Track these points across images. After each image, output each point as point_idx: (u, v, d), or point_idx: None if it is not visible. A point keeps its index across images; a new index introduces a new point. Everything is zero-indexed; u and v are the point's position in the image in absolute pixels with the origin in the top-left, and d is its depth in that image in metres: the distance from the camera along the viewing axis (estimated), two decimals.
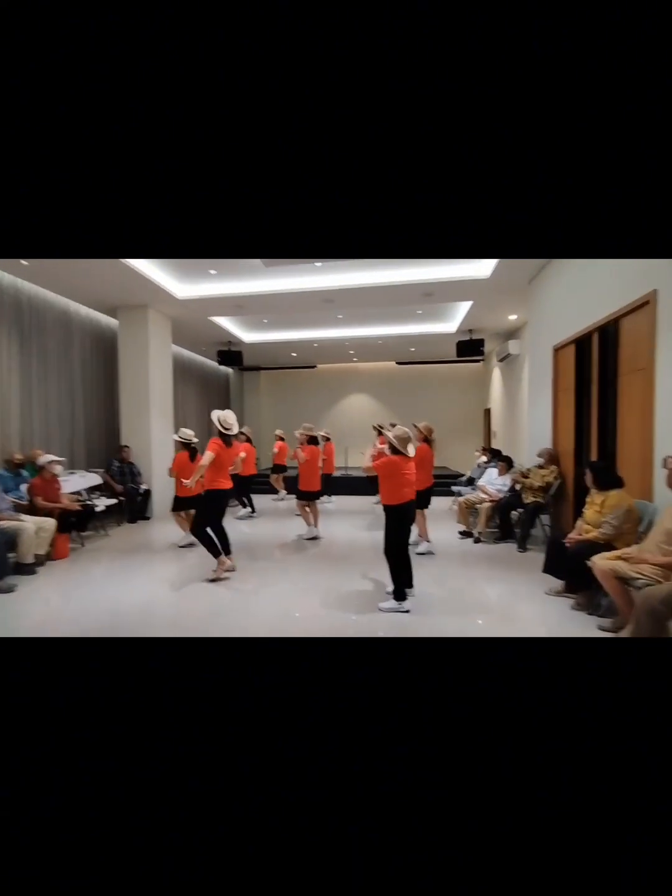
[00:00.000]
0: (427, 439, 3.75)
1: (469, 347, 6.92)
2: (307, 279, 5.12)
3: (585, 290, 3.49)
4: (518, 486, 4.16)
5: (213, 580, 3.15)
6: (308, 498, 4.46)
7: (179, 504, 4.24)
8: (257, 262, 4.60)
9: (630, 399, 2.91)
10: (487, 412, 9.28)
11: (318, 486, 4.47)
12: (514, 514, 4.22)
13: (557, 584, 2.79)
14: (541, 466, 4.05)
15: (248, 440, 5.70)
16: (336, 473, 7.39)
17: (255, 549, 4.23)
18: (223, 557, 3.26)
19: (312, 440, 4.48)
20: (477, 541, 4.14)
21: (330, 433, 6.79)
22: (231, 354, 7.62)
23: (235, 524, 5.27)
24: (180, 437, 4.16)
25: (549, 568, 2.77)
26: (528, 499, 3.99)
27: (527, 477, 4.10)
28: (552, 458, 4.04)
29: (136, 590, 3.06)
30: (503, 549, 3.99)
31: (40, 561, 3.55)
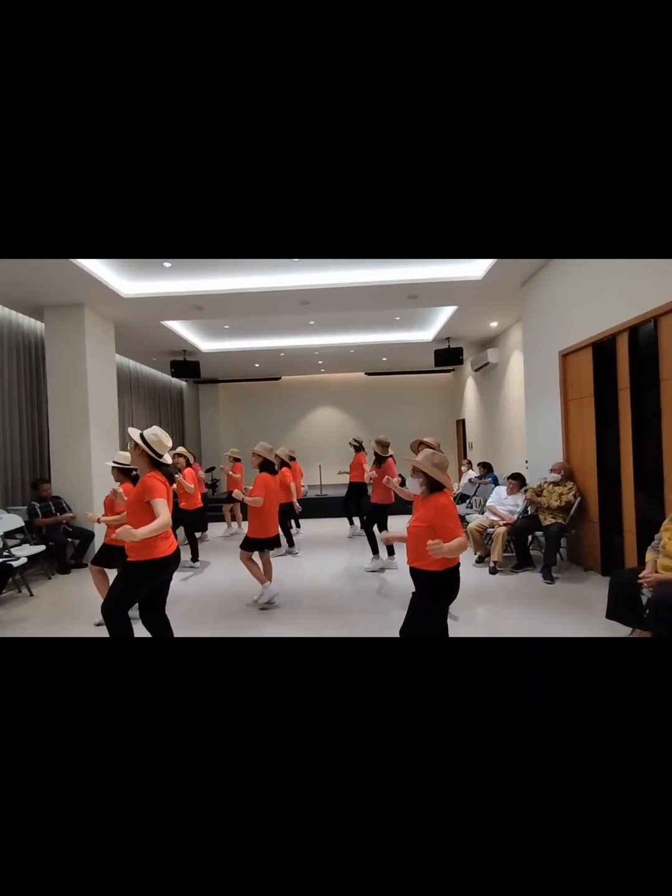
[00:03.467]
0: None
1: (448, 356, 6.60)
2: (280, 277, 4.46)
3: (603, 289, 3.16)
4: (532, 507, 3.72)
5: None
6: (259, 547, 3.11)
7: (105, 556, 2.85)
8: None
9: None
10: (460, 423, 9.06)
11: (273, 531, 3.11)
12: (531, 537, 3.78)
13: (625, 632, 2.30)
14: (556, 483, 3.65)
15: (189, 463, 4.36)
16: (306, 495, 6.65)
17: (204, 612, 3.15)
18: None
19: (267, 466, 3.14)
20: (493, 571, 3.62)
21: (295, 451, 5.70)
22: (187, 365, 6.71)
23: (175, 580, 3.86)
24: (117, 463, 2.73)
25: (616, 613, 2.27)
26: (548, 520, 3.55)
27: (540, 495, 3.68)
28: (568, 473, 3.65)
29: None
30: (525, 579, 3.50)
31: None
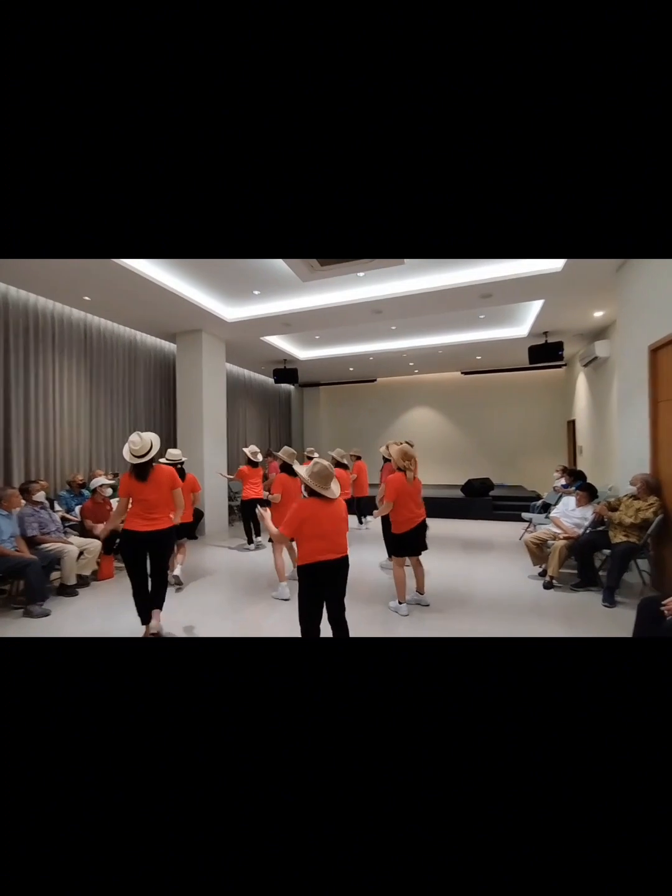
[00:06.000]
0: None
1: (544, 352, 6.04)
2: (350, 291, 4.85)
3: None
4: (604, 521, 3.35)
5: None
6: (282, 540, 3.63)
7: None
8: (298, 279, 4.46)
9: None
10: (571, 424, 8.07)
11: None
12: (600, 556, 3.40)
13: None
14: (635, 496, 3.21)
15: (250, 463, 4.94)
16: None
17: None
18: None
19: (286, 468, 3.40)
20: (548, 585, 3.40)
21: (359, 452, 6.17)
22: (286, 372, 7.63)
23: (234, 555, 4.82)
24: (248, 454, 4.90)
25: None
26: (618, 538, 3.17)
27: (615, 510, 3.28)
28: (650, 487, 3.18)
29: (173, 613, 3.01)
30: (583, 599, 3.20)
31: (84, 582, 3.67)
